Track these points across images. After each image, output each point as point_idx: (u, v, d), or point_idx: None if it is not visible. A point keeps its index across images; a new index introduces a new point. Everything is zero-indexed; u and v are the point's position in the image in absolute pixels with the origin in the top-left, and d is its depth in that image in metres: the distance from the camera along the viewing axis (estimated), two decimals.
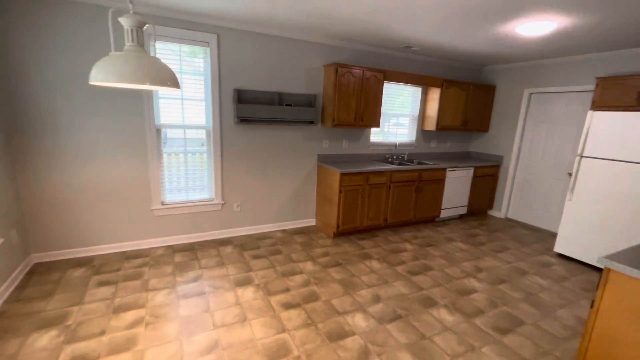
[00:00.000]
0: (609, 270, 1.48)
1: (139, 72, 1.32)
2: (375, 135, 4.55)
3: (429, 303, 2.60)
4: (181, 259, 3.17)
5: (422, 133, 4.95)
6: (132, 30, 1.36)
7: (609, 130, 3.23)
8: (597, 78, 3.63)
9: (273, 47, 3.55)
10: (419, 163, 4.62)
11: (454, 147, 5.36)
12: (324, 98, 3.90)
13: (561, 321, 2.45)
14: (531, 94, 4.63)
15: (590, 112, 3.35)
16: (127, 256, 3.16)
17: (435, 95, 4.57)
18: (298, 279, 2.89)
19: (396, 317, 2.39)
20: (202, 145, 3.46)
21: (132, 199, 3.23)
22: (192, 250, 3.39)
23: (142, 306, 2.38)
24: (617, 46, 3.50)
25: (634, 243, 3.07)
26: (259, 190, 3.84)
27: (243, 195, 3.76)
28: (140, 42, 1.39)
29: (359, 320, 2.34)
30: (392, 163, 4.50)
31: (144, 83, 1.33)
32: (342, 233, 3.94)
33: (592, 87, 3.93)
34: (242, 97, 3.47)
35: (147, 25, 1.41)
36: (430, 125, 4.67)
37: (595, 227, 3.34)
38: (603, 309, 1.51)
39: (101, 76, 1.29)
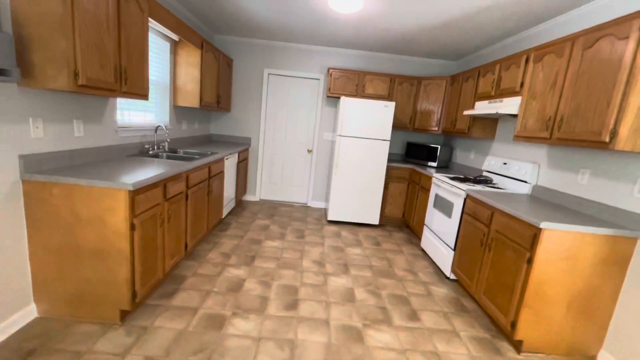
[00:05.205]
0: (542, 230, 1.83)
1: None
2: (119, 113, 2.62)
3: (356, 336, 2.02)
4: None
5: (175, 111, 3.53)
6: None
7: (349, 113, 3.94)
8: (330, 68, 4.30)
9: None
10: (186, 154, 3.33)
11: (200, 130, 4.36)
12: (20, 16, 1.58)
13: (410, 280, 2.84)
14: (269, 74, 4.66)
15: (342, 98, 3.91)
16: None
17: (192, 58, 3.34)
18: None
19: None
20: None
21: None
22: None
23: None
24: (341, 45, 4.28)
25: (374, 200, 4.13)
26: None
27: None
28: None
29: None
30: (159, 157, 2.88)
31: None
32: (140, 302, 2.03)
33: (319, 75, 4.60)
34: None
35: None
36: (190, 100, 3.42)
37: (352, 192, 4.13)
38: (538, 260, 1.87)
39: None
